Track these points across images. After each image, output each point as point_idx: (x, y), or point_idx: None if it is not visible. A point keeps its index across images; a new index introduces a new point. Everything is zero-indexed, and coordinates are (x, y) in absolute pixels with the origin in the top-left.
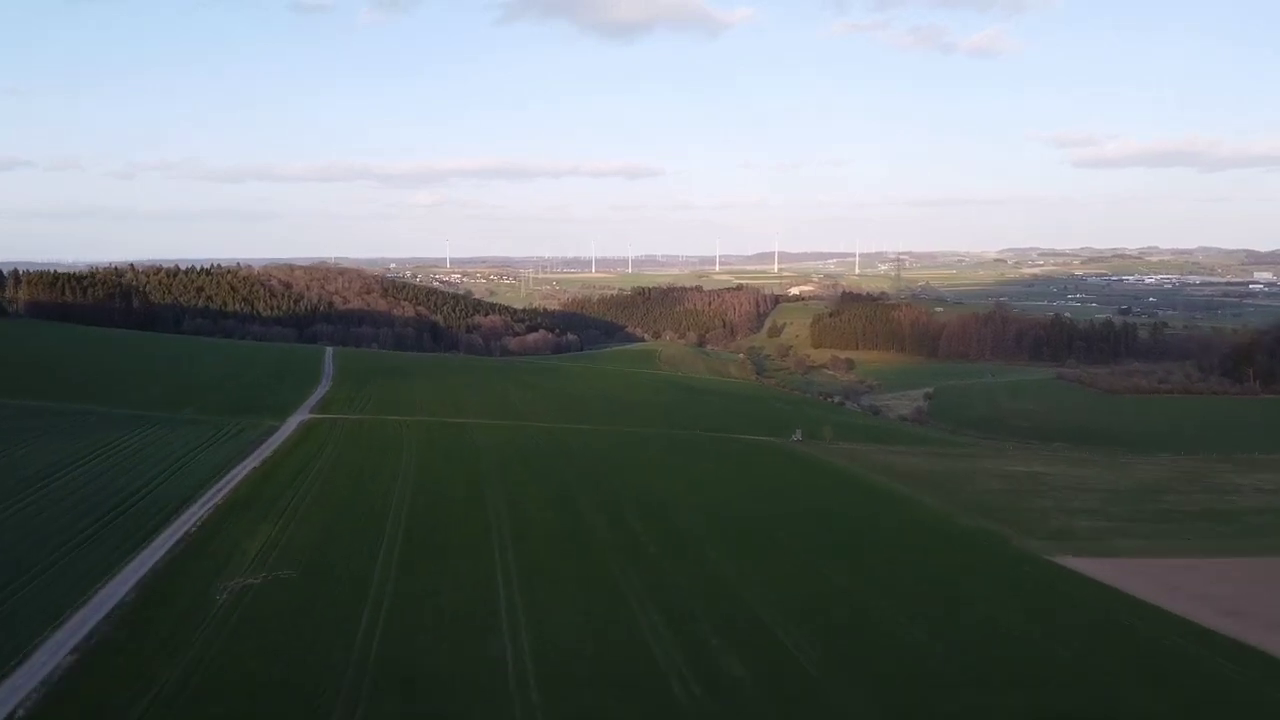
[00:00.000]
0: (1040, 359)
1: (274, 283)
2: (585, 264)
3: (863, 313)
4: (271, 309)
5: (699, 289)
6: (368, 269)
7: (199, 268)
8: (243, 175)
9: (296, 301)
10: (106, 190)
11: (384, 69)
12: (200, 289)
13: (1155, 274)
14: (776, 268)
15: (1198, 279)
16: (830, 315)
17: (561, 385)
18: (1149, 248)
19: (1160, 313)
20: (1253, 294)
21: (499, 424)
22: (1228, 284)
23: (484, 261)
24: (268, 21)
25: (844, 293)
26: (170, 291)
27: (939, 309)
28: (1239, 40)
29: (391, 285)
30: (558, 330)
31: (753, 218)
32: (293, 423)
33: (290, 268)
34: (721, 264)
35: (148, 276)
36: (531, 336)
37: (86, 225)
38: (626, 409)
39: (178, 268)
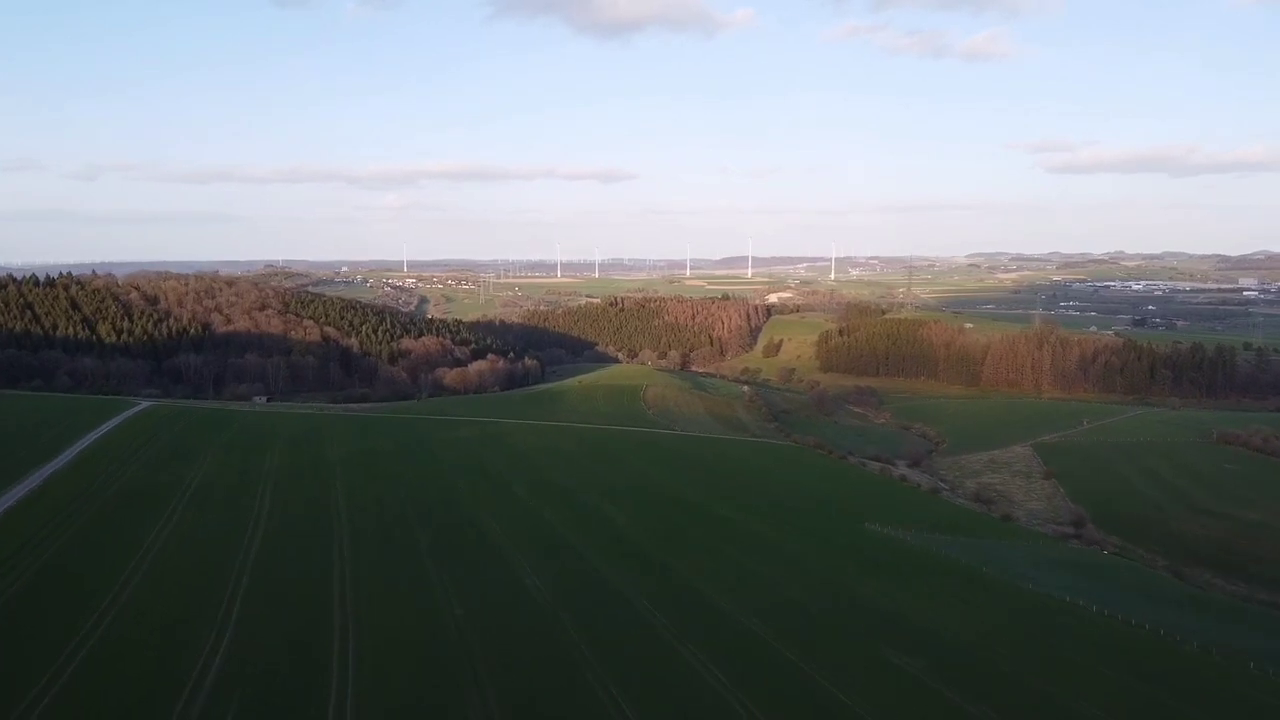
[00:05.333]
0: (1112, 390)
1: (134, 297)
2: (550, 268)
3: (881, 330)
4: (121, 333)
5: (678, 299)
6: (268, 282)
7: (36, 277)
8: (207, 177)
9: (159, 322)
10: (67, 191)
11: (365, 67)
12: (27, 306)
13: (1137, 280)
14: (750, 273)
15: (1187, 285)
16: (840, 333)
17: (474, 529)
18: (1117, 252)
19: (1179, 324)
20: (1252, 301)
21: None
22: (1220, 291)
23: (446, 265)
24: (248, 16)
25: (848, 304)
26: None
27: (969, 325)
28: (1225, 49)
29: (294, 300)
30: (512, 355)
31: (725, 223)
32: None
33: (163, 276)
34: (692, 268)
35: None
36: (475, 366)
37: (46, 227)
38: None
39: (12, 278)
